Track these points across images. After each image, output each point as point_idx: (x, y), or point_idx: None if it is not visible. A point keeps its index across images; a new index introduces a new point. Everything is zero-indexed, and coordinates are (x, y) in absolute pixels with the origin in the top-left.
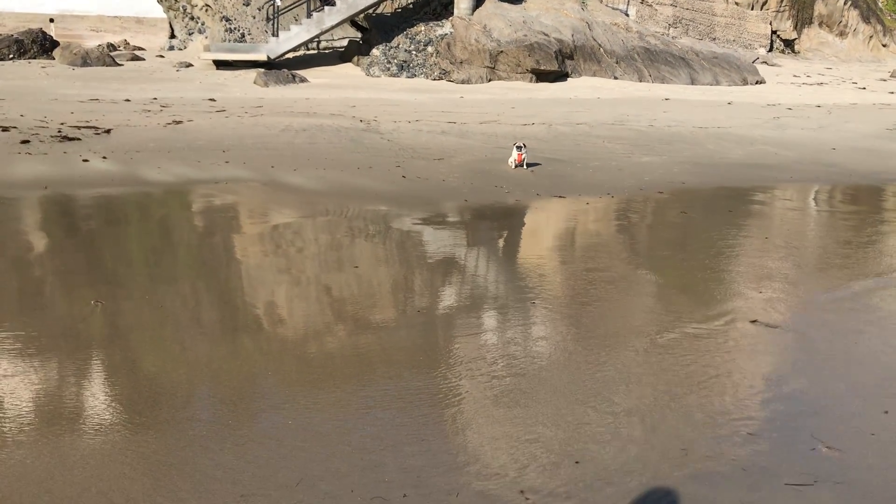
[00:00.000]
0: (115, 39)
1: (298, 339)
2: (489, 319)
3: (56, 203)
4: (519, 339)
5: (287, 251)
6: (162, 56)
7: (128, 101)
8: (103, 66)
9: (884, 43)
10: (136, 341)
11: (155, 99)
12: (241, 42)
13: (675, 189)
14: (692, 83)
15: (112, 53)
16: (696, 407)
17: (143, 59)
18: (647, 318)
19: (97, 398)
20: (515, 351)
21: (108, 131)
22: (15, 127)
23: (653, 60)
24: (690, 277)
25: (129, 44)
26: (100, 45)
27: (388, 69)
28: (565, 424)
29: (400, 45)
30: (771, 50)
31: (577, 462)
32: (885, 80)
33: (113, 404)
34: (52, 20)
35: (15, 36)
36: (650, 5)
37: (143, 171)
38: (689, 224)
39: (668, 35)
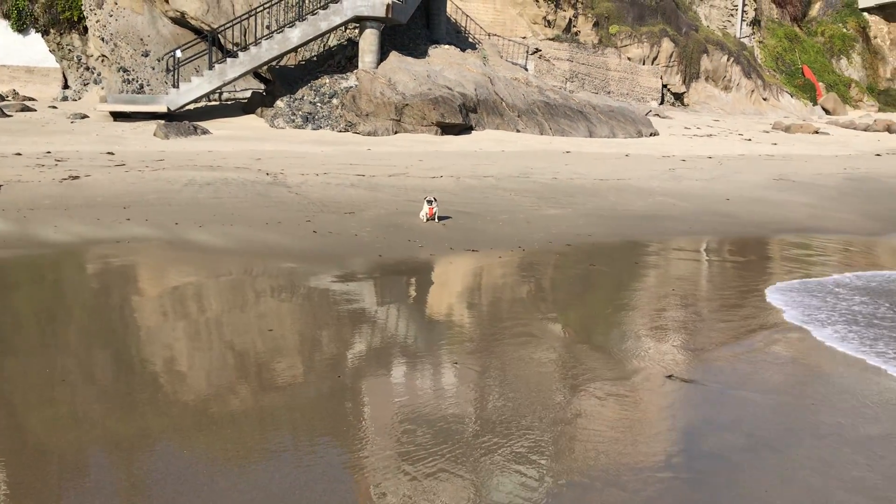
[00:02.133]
0: (2, 89)
1: (200, 403)
2: (404, 378)
3: None
4: (432, 400)
5: (193, 313)
6: (55, 107)
7: (18, 154)
8: None
9: (764, 97)
10: (26, 406)
11: (48, 152)
12: (139, 93)
13: (583, 242)
14: (590, 136)
15: (0, 104)
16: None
17: (35, 110)
18: (562, 377)
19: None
20: (429, 412)
21: None
22: None
23: (552, 114)
24: (603, 332)
25: (17, 94)
26: None
27: (293, 121)
28: (476, 489)
29: (304, 97)
30: (662, 103)
31: None
32: (767, 132)
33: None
34: None
35: None
36: (548, 60)
37: (38, 231)
38: (598, 277)
39: (565, 89)
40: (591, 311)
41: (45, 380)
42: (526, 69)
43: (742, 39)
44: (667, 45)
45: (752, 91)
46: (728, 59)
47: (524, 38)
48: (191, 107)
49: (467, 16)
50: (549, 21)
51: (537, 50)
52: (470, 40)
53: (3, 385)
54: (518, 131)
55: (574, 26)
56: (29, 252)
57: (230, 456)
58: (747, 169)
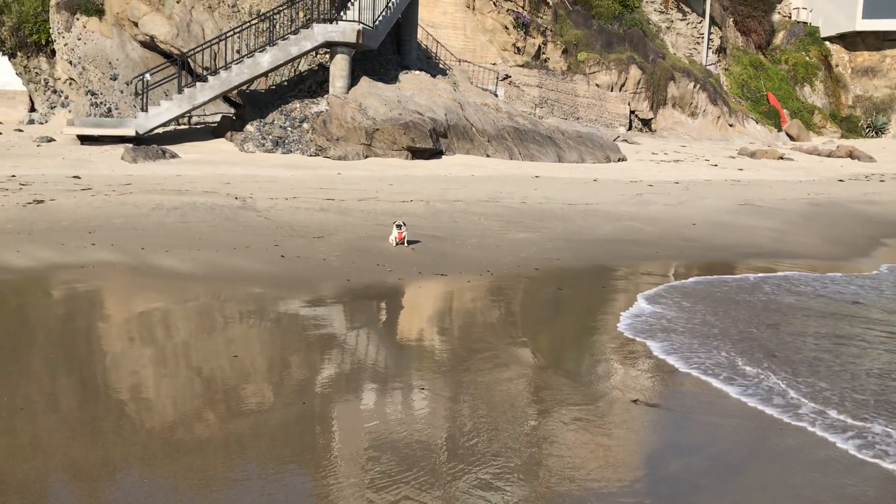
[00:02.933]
0: None
1: (165, 430)
2: (371, 404)
3: None
4: (399, 426)
5: (160, 339)
6: (21, 130)
7: None
8: None
9: (730, 123)
10: (4, 440)
11: (13, 176)
12: (107, 117)
13: (551, 266)
14: (559, 161)
15: None
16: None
17: (0, 133)
18: (530, 402)
19: None
20: (395, 438)
21: None
22: None
23: (522, 139)
24: (572, 357)
25: None
26: None
27: (263, 145)
28: None
29: (275, 122)
30: (630, 128)
31: None
32: (733, 157)
33: None
34: None
35: None
36: (517, 86)
37: (2, 256)
38: (566, 301)
39: (535, 115)
40: (559, 335)
41: (4, 407)
42: (496, 95)
43: (708, 67)
44: (634, 72)
45: (719, 117)
46: (695, 86)
47: (494, 64)
48: (160, 130)
49: (438, 42)
50: (518, 48)
51: (507, 76)
52: (440, 66)
53: None
54: (488, 156)
55: (543, 53)
56: None
57: (194, 484)
58: (713, 194)
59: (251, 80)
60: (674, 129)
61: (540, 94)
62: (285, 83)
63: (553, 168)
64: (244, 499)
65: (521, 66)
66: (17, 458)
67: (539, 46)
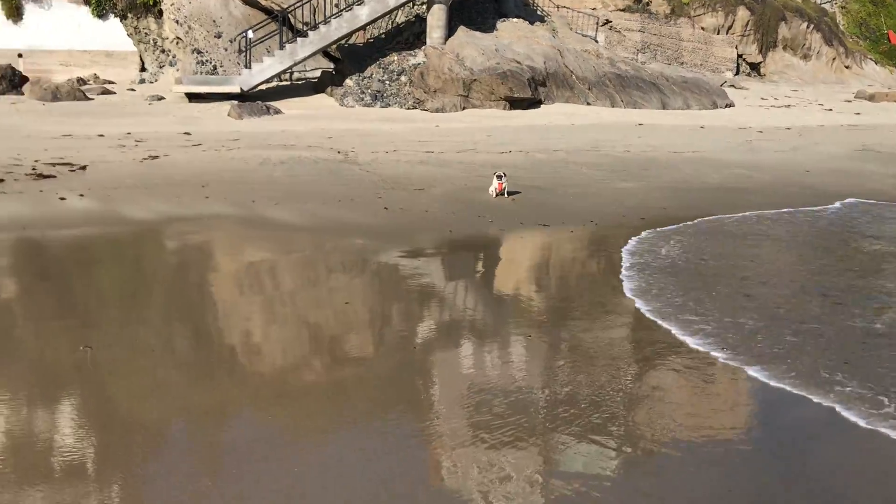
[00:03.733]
0: (84, 73)
1: (276, 375)
2: (476, 351)
3: (36, 245)
4: (504, 373)
5: (268, 288)
6: (133, 89)
7: (101, 136)
8: (74, 100)
9: (846, 65)
10: (112, 378)
11: (129, 133)
12: (213, 74)
13: (657, 216)
14: (663, 108)
15: (82, 88)
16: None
17: (114, 93)
18: (634, 352)
19: (93, 445)
20: (500, 384)
21: (83, 168)
22: None
23: (624, 86)
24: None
25: (98, 77)
26: (69, 80)
27: (362, 99)
28: (549, 459)
29: (373, 75)
30: (737, 73)
31: None
32: (849, 102)
33: (111, 449)
34: (20, 55)
35: None
36: (619, 31)
37: (122, 209)
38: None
39: (637, 60)
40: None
41: (126, 352)
42: (596, 41)
43: (823, 5)
44: (742, 14)
45: (834, 59)
46: (807, 27)
47: (594, 9)
48: (263, 87)
49: None
50: None
51: (607, 21)
52: (538, 13)
53: (87, 358)
54: (588, 104)
55: None
56: (114, 229)
57: (310, 426)
58: (828, 140)
59: (350, 34)
60: (784, 73)
61: (642, 39)
62: (382, 36)
63: (657, 115)
64: (357, 439)
65: (622, 10)
66: (139, 400)
67: None
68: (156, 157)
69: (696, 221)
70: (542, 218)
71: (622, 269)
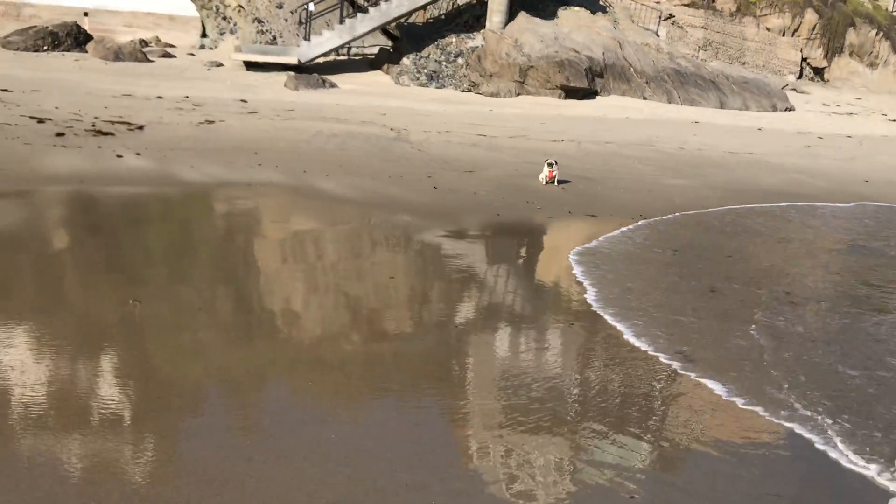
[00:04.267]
0: (146, 35)
1: (314, 343)
2: (515, 335)
3: (91, 198)
4: (540, 358)
5: (311, 256)
6: (193, 54)
7: (160, 98)
8: (135, 61)
9: None
10: (155, 335)
11: (187, 97)
12: (272, 44)
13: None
14: (721, 107)
15: (144, 49)
16: None
17: (175, 57)
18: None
19: (134, 398)
20: (537, 369)
21: (140, 128)
22: (50, 119)
23: (682, 82)
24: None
25: (160, 40)
26: (132, 41)
27: (418, 79)
28: (581, 448)
29: (430, 56)
30: (800, 77)
31: (633, 498)
32: None
33: (160, 407)
34: (86, 14)
35: (50, 28)
36: (681, 27)
37: (177, 170)
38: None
39: (697, 57)
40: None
41: (173, 309)
42: (657, 35)
43: (895, 13)
44: (810, 17)
45: None
46: (877, 34)
47: (658, 2)
48: (320, 60)
49: None
50: None
51: (670, 16)
52: (601, 3)
53: (135, 312)
54: (644, 98)
55: None
56: (167, 189)
57: (346, 394)
58: (891, 150)
59: (410, 13)
60: (848, 80)
61: (704, 36)
62: (442, 16)
63: (714, 114)
64: (395, 410)
65: (687, 5)
66: (179, 361)
67: None
68: (212, 121)
69: None
70: (591, 208)
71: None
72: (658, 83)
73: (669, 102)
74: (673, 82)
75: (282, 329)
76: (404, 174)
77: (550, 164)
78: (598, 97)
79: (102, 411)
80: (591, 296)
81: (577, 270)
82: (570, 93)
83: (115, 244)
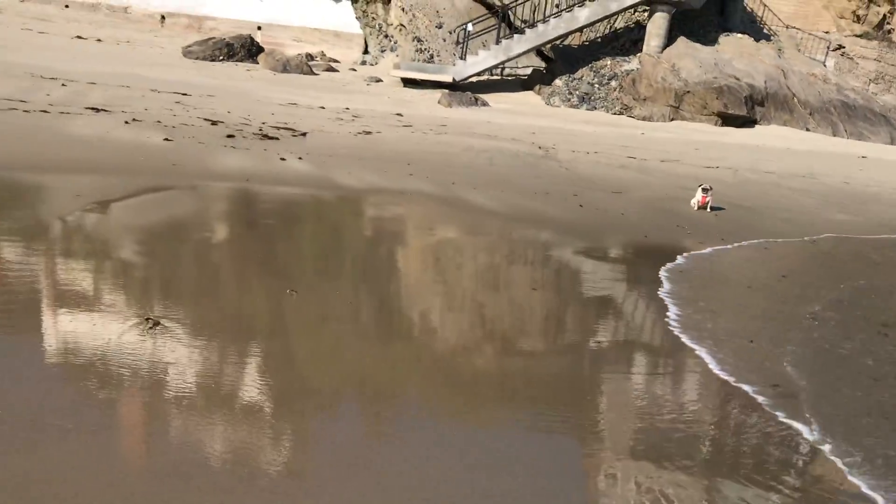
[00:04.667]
0: (313, 50)
1: (445, 359)
2: (653, 369)
3: (255, 195)
4: (681, 398)
5: (461, 267)
6: (354, 69)
7: (322, 108)
8: (301, 73)
9: None
10: (308, 341)
11: (347, 109)
12: (429, 63)
13: None
14: (892, 142)
15: (309, 63)
16: None
17: (338, 71)
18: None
19: (272, 392)
20: (676, 412)
21: (304, 134)
22: (222, 122)
23: (850, 115)
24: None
25: (325, 55)
26: (299, 55)
27: (569, 100)
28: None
29: (583, 78)
30: None
31: None
32: None
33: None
34: (259, 28)
35: (226, 40)
36: (851, 58)
37: (335, 175)
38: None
39: (868, 90)
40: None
41: (316, 309)
42: (825, 65)
43: None
44: None
45: None
46: None
47: (827, 32)
48: (473, 79)
49: (765, 5)
50: (858, 16)
51: (840, 46)
52: (765, 31)
53: (279, 312)
54: (807, 130)
55: (888, 23)
56: (325, 192)
57: (475, 413)
58: None
59: (566, 35)
60: None
61: (877, 69)
62: (598, 39)
63: (884, 150)
64: (519, 433)
65: (859, 35)
66: (316, 367)
67: (884, 15)
68: (369, 132)
69: None
70: (745, 237)
71: (816, 307)
72: (823, 115)
73: (835, 135)
74: (839, 114)
75: (418, 338)
76: (550, 191)
77: (705, 190)
78: (757, 126)
79: (244, 401)
80: (735, 327)
81: (726, 294)
82: (728, 120)
83: (269, 239)
